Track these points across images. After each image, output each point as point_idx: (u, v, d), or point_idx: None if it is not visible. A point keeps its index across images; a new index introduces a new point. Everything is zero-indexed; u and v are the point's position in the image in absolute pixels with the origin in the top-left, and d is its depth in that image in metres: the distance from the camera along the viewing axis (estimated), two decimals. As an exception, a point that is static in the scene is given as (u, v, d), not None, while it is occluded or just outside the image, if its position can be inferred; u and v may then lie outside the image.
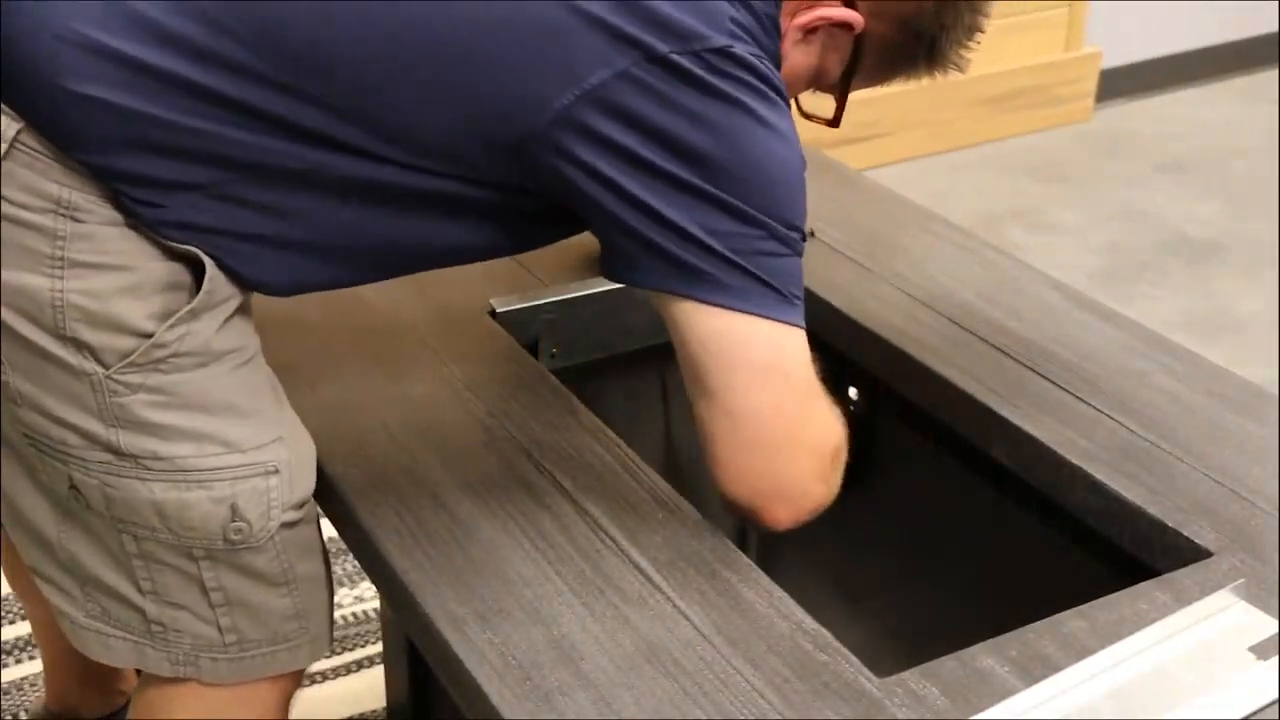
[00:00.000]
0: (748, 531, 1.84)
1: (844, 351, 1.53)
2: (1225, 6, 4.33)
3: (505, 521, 1.19)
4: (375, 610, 2.19)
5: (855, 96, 1.26)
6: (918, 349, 1.45)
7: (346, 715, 2.01)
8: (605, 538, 1.17)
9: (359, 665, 2.10)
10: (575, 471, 1.25)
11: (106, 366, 1.13)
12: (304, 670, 1.34)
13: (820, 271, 1.59)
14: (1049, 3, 3.95)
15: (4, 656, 2.07)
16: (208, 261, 1.15)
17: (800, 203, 1.15)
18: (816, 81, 1.26)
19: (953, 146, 3.91)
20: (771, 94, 1.12)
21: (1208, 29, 4.36)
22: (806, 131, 1.19)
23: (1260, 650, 1.08)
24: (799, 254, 1.15)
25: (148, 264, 1.14)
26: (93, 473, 1.17)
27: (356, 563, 1.59)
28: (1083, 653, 1.07)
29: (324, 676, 2.08)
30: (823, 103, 1.29)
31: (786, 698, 1.02)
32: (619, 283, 1.17)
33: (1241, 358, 2.80)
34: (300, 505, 1.24)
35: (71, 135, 1.10)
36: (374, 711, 2.01)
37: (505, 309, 1.50)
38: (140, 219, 1.13)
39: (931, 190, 3.58)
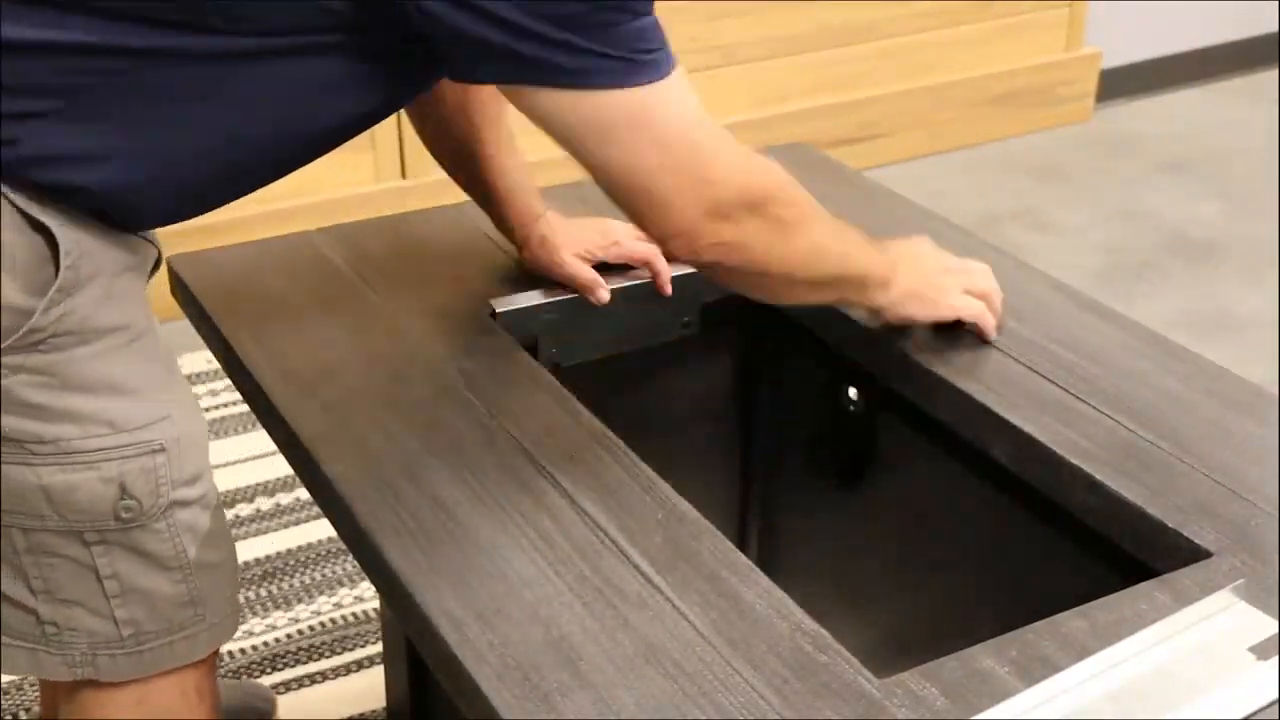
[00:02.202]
0: (748, 531, 1.84)
1: (844, 351, 1.53)
2: (1225, 6, 4.33)
3: (505, 521, 1.19)
4: (375, 610, 2.18)
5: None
6: (918, 349, 1.45)
7: (346, 715, 2.01)
8: (605, 538, 1.17)
9: (359, 665, 2.10)
10: (575, 471, 1.25)
11: None
12: (212, 663, 1.33)
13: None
14: (1049, 3, 3.94)
15: (4, 657, 2.07)
16: (62, 236, 1.13)
17: None
18: None
19: (953, 146, 3.91)
20: None
21: (1208, 29, 4.36)
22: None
23: (1260, 650, 1.08)
24: (640, 14, 1.11)
25: (13, 238, 1.12)
26: None
27: (356, 563, 1.58)
28: (1083, 653, 1.07)
29: (324, 676, 2.08)
30: None
31: (786, 698, 1.02)
32: (467, 83, 1.14)
33: (1241, 358, 2.80)
34: (191, 482, 1.23)
35: None
36: (374, 711, 2.00)
37: (505, 309, 1.50)
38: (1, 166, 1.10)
39: (931, 190, 3.58)
